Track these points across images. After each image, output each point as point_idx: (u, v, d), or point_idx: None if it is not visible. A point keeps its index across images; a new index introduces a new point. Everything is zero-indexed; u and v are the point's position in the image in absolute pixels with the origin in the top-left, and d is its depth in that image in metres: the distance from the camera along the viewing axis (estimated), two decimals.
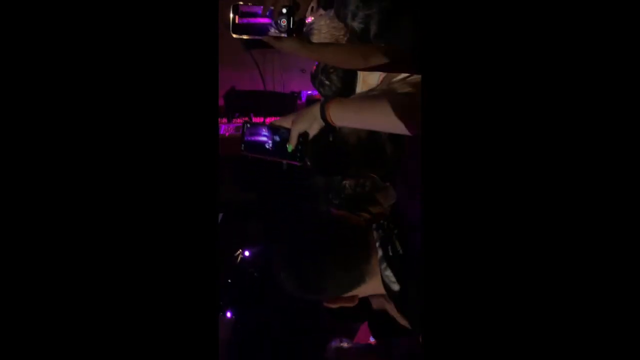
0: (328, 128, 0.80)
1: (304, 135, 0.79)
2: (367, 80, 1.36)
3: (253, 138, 0.83)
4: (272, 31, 0.85)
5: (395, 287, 0.68)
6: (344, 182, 1.17)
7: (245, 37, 0.85)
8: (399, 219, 0.71)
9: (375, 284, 0.73)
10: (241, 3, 0.85)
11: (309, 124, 0.78)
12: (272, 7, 0.84)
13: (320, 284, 0.73)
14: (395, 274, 0.67)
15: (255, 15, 0.85)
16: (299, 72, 3.40)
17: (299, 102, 3.75)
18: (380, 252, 0.69)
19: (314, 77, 1.61)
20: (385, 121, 0.70)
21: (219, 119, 4.24)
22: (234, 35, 0.85)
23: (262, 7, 0.84)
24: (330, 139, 0.84)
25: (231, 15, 0.84)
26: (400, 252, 0.67)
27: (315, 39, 1.32)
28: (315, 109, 0.78)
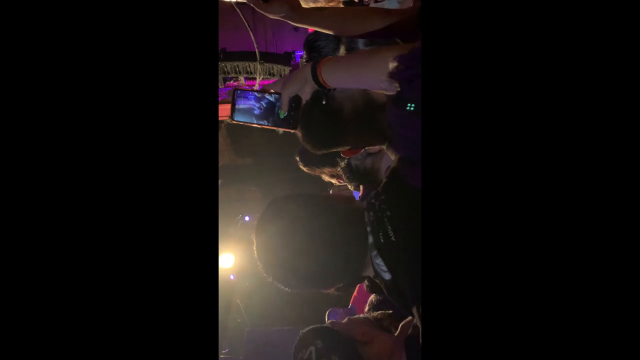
0: (321, 90, 0.73)
1: (296, 100, 0.71)
2: None
3: (243, 105, 0.74)
4: None
5: (387, 276, 0.62)
6: (343, 159, 1.13)
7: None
8: (392, 194, 0.62)
9: (369, 272, 0.66)
10: None
11: (300, 86, 0.69)
12: None
13: (313, 280, 0.65)
14: (386, 263, 0.61)
15: None
16: (291, 30, 3.26)
17: (292, 62, 3.63)
18: (370, 238, 0.62)
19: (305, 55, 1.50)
20: (382, 79, 0.62)
21: None
22: None
23: None
24: (324, 102, 0.74)
25: None
26: (392, 238, 0.59)
27: (303, 1, 1.22)
28: (306, 70, 0.68)
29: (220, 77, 4.17)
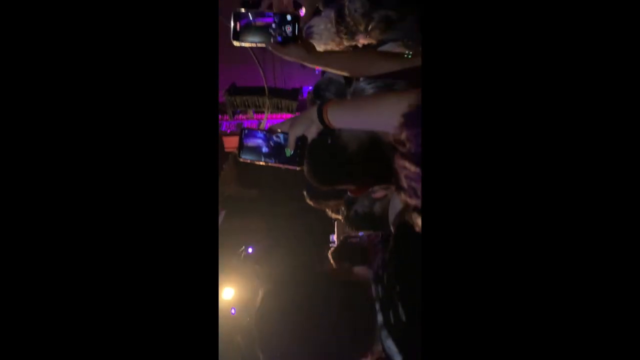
0: (326, 130, 0.74)
1: (302, 139, 0.75)
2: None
3: (251, 143, 0.77)
4: (276, 38, 0.81)
5: (398, 358, 0.59)
6: (349, 198, 1.13)
7: (247, 44, 0.79)
8: (401, 263, 0.60)
9: (377, 351, 0.61)
10: (242, 10, 0.79)
11: (307, 126, 0.73)
12: (276, 13, 0.78)
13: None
14: (397, 345, 0.58)
15: (257, 22, 0.79)
16: (299, 67, 3.39)
17: (300, 97, 3.74)
18: (380, 317, 0.59)
19: (314, 93, 1.58)
20: (387, 120, 0.65)
21: (221, 116, 4.25)
22: (235, 43, 0.79)
23: (264, 13, 0.78)
24: (329, 141, 0.78)
25: (232, 22, 0.78)
26: (404, 319, 0.56)
27: (315, 43, 1.30)
28: (312, 112, 0.73)
29: (230, 110, 4.30)
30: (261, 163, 0.77)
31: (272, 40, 0.78)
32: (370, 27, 0.93)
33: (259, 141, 0.76)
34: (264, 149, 0.76)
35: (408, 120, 0.55)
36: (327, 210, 1.19)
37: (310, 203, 1.10)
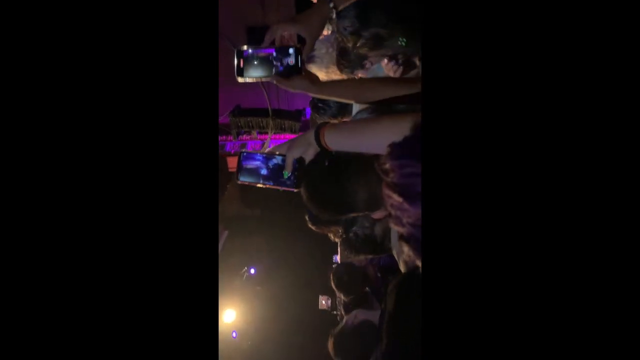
0: (324, 153, 0.75)
1: (299, 161, 0.76)
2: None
3: (249, 166, 0.78)
4: (278, 69, 0.78)
5: None
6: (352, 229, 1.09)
7: (249, 80, 0.79)
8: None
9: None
10: (244, 47, 0.79)
11: (304, 149, 0.75)
12: (278, 47, 0.78)
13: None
14: None
15: (260, 57, 0.78)
16: None
17: (303, 118, 3.79)
18: None
19: (312, 107, 1.61)
20: (383, 143, 0.62)
21: (226, 137, 4.29)
22: (240, 80, 0.78)
23: (266, 48, 0.77)
24: (326, 163, 0.77)
25: (235, 60, 0.78)
26: None
27: (316, 67, 1.32)
28: (310, 134, 0.74)
29: (234, 131, 4.35)
30: (259, 185, 0.78)
31: (274, 71, 0.78)
32: (359, 44, 0.94)
33: (257, 164, 0.77)
34: (262, 172, 0.76)
35: (394, 150, 0.55)
36: (329, 234, 1.18)
37: (313, 228, 1.10)
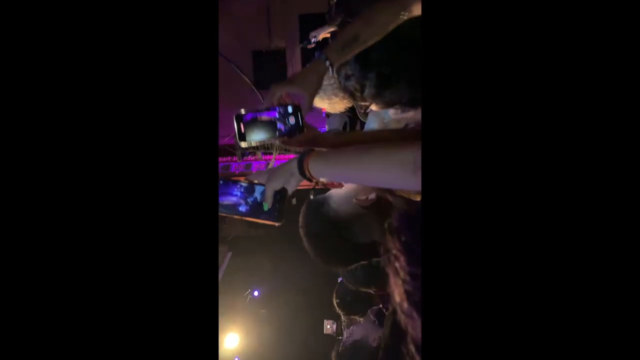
0: (315, 200, 0.73)
1: (280, 192, 0.70)
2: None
3: (226, 197, 0.72)
4: (281, 131, 0.78)
5: None
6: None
7: (254, 143, 0.78)
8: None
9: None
10: (243, 111, 0.77)
11: (285, 180, 0.69)
12: (278, 108, 0.77)
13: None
14: None
15: (262, 117, 0.77)
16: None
17: None
18: None
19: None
20: (375, 175, 0.60)
21: (230, 158, 4.33)
22: (243, 145, 0.78)
23: (268, 112, 0.77)
24: (311, 196, 0.76)
25: (235, 125, 0.77)
26: None
27: (319, 98, 1.31)
28: (292, 164, 0.69)
29: (239, 152, 4.39)
30: (236, 217, 0.72)
31: (277, 134, 0.78)
32: (365, 92, 0.93)
33: (234, 195, 0.72)
34: (238, 202, 0.71)
35: (399, 226, 0.48)
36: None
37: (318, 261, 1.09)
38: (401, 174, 0.57)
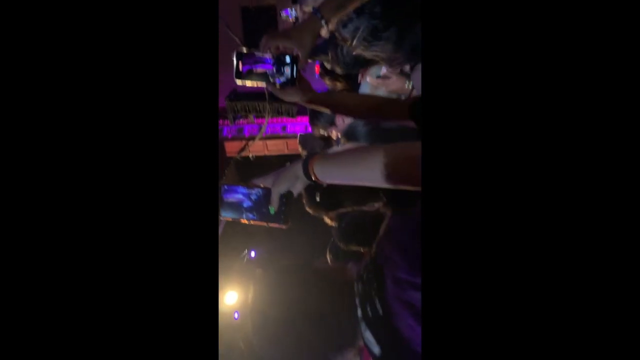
0: (314, 186, 0.70)
1: (287, 195, 0.71)
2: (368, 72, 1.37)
3: (231, 200, 0.72)
4: (275, 80, 0.80)
5: (376, 349, 0.60)
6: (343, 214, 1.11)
7: (248, 83, 0.80)
8: (381, 264, 0.63)
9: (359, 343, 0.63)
10: (244, 50, 0.80)
11: (291, 183, 0.70)
12: (275, 55, 0.80)
13: (299, 352, 0.63)
14: (375, 336, 0.60)
15: (258, 62, 0.80)
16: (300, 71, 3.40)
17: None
18: (359, 312, 0.62)
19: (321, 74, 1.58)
20: (380, 177, 0.62)
21: (222, 121, 4.26)
22: (238, 82, 0.80)
23: (264, 55, 0.80)
24: (317, 199, 0.76)
25: (234, 61, 0.79)
26: (380, 312, 0.59)
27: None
28: (297, 167, 0.69)
29: (230, 115, 4.32)
30: (243, 221, 0.72)
31: (271, 81, 0.80)
32: (356, 39, 0.95)
33: (239, 197, 0.72)
34: (246, 205, 0.72)
35: (387, 236, 0.53)
36: (325, 219, 1.21)
37: (309, 211, 1.12)
38: (409, 175, 0.59)
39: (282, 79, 0.80)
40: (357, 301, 0.62)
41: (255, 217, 0.72)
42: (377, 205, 0.98)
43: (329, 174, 0.69)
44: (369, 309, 0.61)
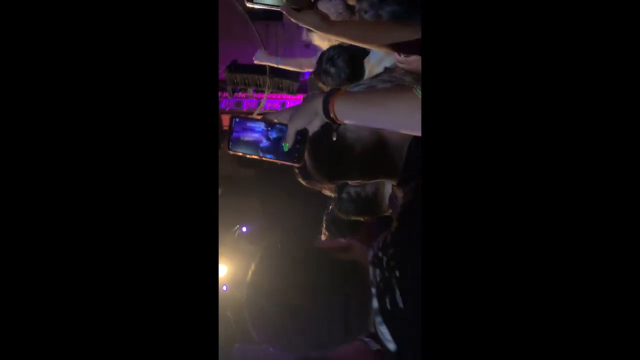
0: (331, 125, 0.65)
1: (302, 133, 0.66)
2: (373, 72, 1.32)
3: (243, 134, 0.68)
4: (291, 3, 0.77)
5: (391, 346, 0.54)
6: (347, 189, 1.06)
7: (262, 6, 0.76)
8: (404, 247, 0.55)
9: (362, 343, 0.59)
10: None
11: (309, 119, 0.64)
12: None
13: (305, 341, 0.58)
14: (392, 333, 0.53)
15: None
16: (302, 47, 3.32)
17: (301, 78, 3.69)
18: (375, 303, 0.55)
19: (316, 73, 1.52)
20: (401, 119, 0.57)
21: (221, 93, 4.18)
22: (249, 5, 0.76)
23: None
24: (334, 138, 0.67)
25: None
26: (401, 305, 0.52)
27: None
28: (317, 103, 0.63)
29: (229, 88, 4.23)
30: (254, 157, 0.69)
31: (286, 2, 0.77)
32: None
33: (252, 132, 0.68)
34: (258, 142, 0.67)
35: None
36: (322, 190, 1.18)
37: (303, 183, 1.10)
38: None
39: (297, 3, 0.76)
40: (373, 290, 0.56)
41: (267, 155, 0.68)
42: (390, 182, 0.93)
43: (351, 114, 0.62)
44: (388, 301, 0.54)
